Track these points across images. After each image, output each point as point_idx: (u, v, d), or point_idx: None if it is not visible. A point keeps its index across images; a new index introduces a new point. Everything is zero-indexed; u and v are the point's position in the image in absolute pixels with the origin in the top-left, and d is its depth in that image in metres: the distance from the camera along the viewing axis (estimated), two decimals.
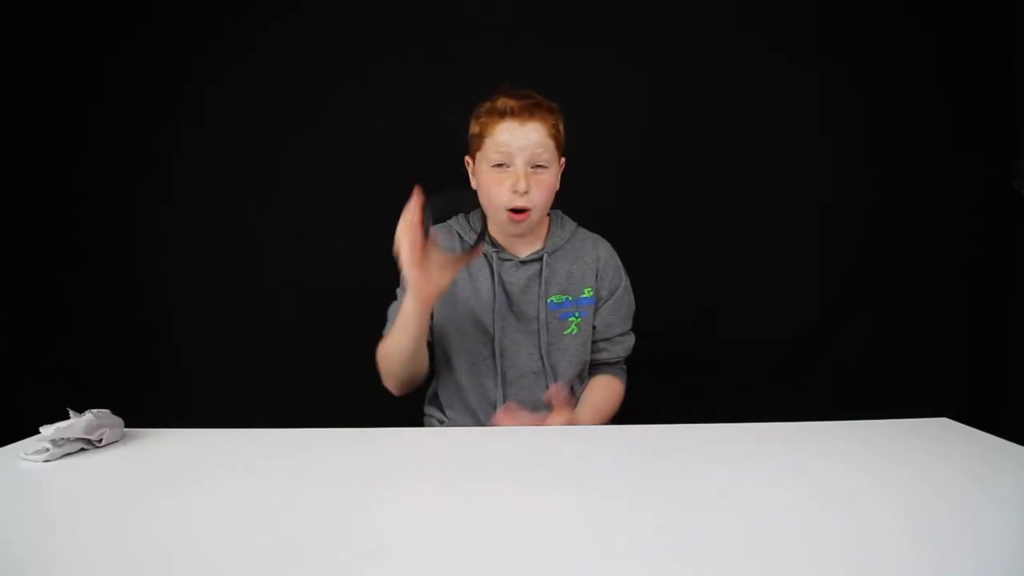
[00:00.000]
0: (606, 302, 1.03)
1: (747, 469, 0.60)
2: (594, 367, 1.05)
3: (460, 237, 1.02)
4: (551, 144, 0.95)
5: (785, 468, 0.60)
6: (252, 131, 1.50)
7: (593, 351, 1.04)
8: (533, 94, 0.97)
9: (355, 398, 1.17)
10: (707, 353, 1.46)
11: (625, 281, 1.06)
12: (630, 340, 1.07)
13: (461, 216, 1.05)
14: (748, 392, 1.44)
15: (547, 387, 0.98)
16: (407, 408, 1.06)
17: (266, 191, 1.52)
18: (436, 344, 1.02)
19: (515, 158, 0.93)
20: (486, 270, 1.00)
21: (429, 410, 1.08)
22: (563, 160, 1.01)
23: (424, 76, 1.43)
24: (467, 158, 1.02)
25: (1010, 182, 1.47)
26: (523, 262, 1.00)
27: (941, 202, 1.49)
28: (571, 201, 1.07)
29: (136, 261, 1.53)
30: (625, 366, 1.08)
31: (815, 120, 1.48)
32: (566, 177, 1.01)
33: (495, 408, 0.97)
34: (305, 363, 1.51)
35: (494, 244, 1.01)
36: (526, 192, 0.93)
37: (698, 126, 1.49)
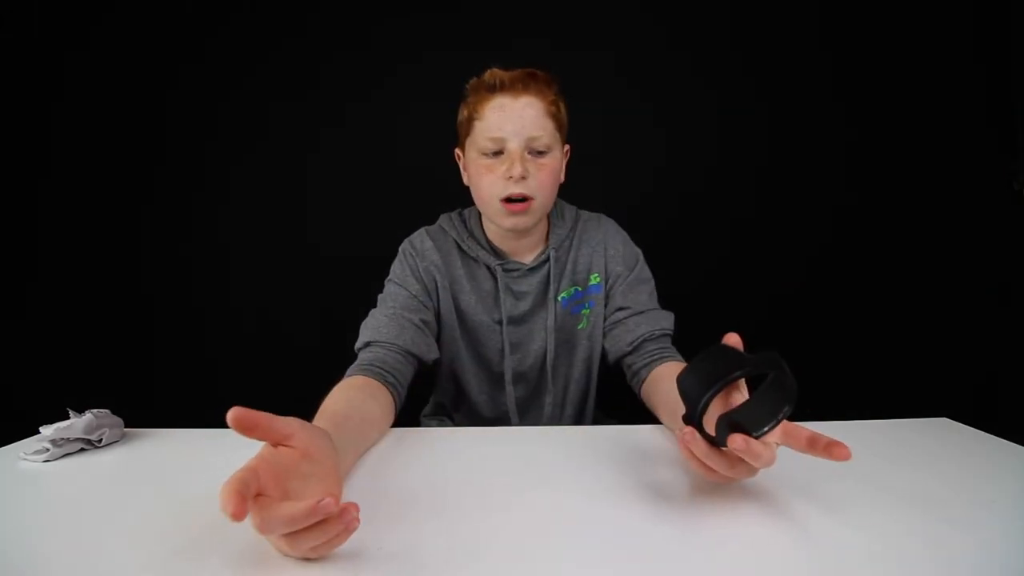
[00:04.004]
0: (626, 278, 0.88)
1: None
2: (646, 361, 0.82)
3: (457, 244, 0.90)
4: (550, 124, 0.81)
5: (784, 468, 0.60)
6: (252, 133, 1.50)
7: (624, 332, 0.85)
8: (529, 68, 0.82)
9: None
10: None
11: (640, 255, 0.92)
12: (670, 316, 0.87)
13: (455, 218, 0.93)
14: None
15: (548, 402, 0.90)
16: (409, 408, 1.06)
17: (266, 193, 1.52)
18: (444, 361, 0.92)
19: (508, 142, 0.79)
20: (490, 283, 0.89)
21: (428, 422, 1.01)
22: (567, 148, 0.87)
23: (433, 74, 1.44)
24: (456, 150, 0.89)
25: (1010, 182, 1.47)
26: (531, 268, 0.89)
27: (941, 202, 1.49)
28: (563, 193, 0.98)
29: (136, 262, 1.53)
30: (675, 348, 0.85)
31: (814, 120, 1.49)
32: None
33: (510, 417, 0.90)
34: (306, 363, 1.51)
35: (496, 253, 0.90)
36: (523, 177, 0.79)
37: (695, 125, 1.49)
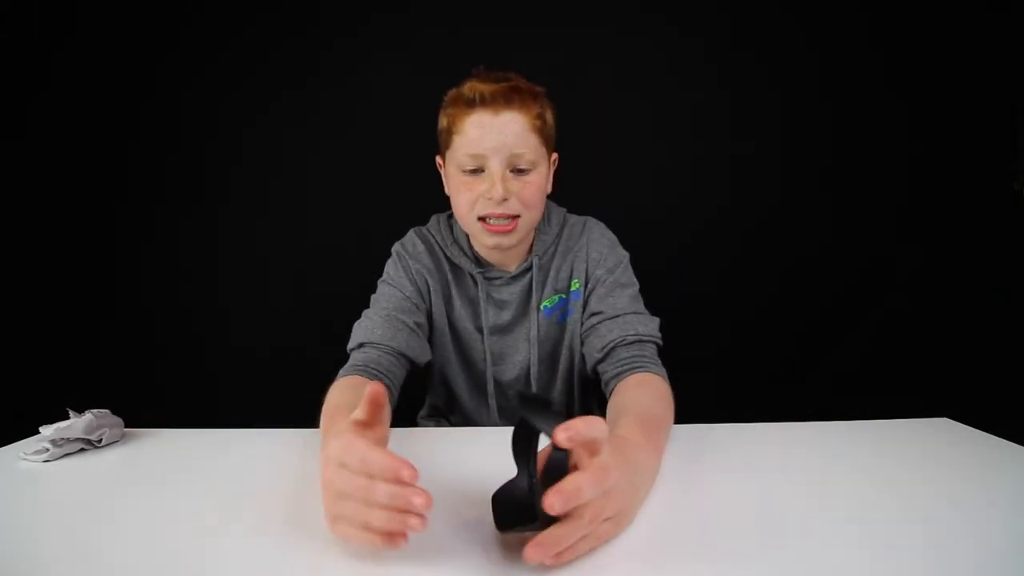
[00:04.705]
0: (605, 282, 0.84)
1: (746, 469, 0.60)
2: (617, 370, 0.77)
3: (443, 252, 0.89)
4: (534, 140, 0.77)
5: (785, 468, 0.60)
6: (251, 129, 1.50)
7: (596, 338, 0.80)
8: (511, 76, 0.78)
9: None
10: (707, 353, 1.46)
11: (626, 258, 0.88)
12: (652, 321, 0.81)
13: (443, 222, 0.91)
14: (748, 392, 1.44)
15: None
16: (405, 408, 1.06)
17: (266, 193, 1.52)
18: (435, 365, 0.92)
19: (489, 160, 0.76)
20: (474, 291, 0.88)
21: (424, 423, 1.00)
22: (555, 156, 0.84)
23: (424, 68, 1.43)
24: (438, 158, 0.86)
25: (1010, 182, 1.47)
26: (514, 276, 0.87)
27: (941, 202, 1.49)
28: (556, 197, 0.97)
29: (137, 261, 1.53)
30: (659, 360, 0.79)
31: (814, 120, 1.49)
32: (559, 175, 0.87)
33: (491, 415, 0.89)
34: (305, 363, 1.51)
35: (478, 261, 0.87)
36: (504, 200, 0.76)
37: (694, 120, 1.49)
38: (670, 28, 1.47)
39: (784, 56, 1.47)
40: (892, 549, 0.43)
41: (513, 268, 0.87)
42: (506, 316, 0.89)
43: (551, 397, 0.91)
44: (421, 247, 0.89)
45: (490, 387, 0.89)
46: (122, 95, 1.49)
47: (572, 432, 0.38)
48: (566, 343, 0.88)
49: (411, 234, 0.92)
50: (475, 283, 0.88)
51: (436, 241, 0.90)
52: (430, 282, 0.87)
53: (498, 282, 0.88)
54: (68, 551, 0.45)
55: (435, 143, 0.87)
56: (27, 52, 1.46)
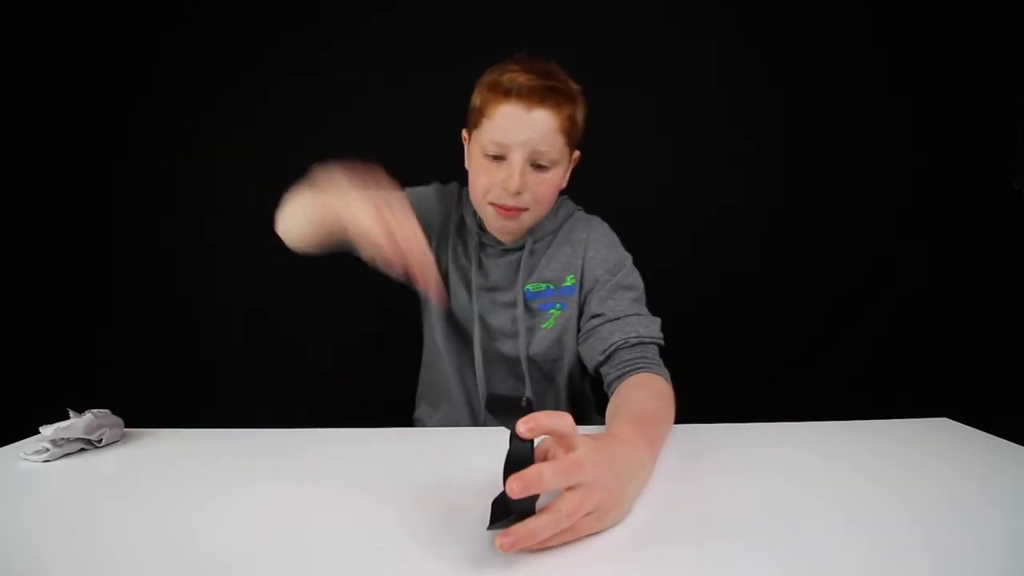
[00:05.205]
0: (606, 284, 0.84)
1: (747, 469, 0.60)
2: (620, 371, 0.77)
3: (454, 207, 0.94)
4: (560, 140, 0.78)
5: (785, 468, 0.60)
6: (250, 125, 1.50)
7: (597, 340, 0.81)
8: (552, 71, 0.79)
9: (355, 398, 1.17)
10: (707, 353, 1.46)
11: (628, 260, 0.88)
12: (654, 323, 0.81)
13: (456, 187, 0.94)
14: (748, 392, 1.44)
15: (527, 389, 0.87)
16: (406, 408, 1.06)
17: (265, 192, 1.52)
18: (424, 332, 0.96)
19: (512, 151, 0.77)
20: (470, 250, 0.90)
21: (420, 404, 1.02)
22: (577, 154, 0.86)
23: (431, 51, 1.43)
24: (464, 132, 0.87)
25: (1010, 182, 1.47)
26: (506, 250, 0.88)
27: (941, 202, 1.49)
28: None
29: (136, 261, 1.53)
30: (661, 361, 0.79)
31: (814, 120, 1.48)
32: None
33: (480, 400, 0.89)
34: (305, 363, 1.51)
35: (480, 226, 0.89)
36: (518, 193, 0.78)
37: (698, 121, 1.49)
38: (670, 28, 1.47)
39: (784, 56, 1.47)
40: (892, 549, 0.43)
41: (508, 242, 0.89)
42: (488, 282, 0.90)
43: (523, 394, 0.91)
44: (439, 197, 0.92)
45: (477, 346, 0.88)
46: (122, 95, 1.49)
47: (533, 423, 0.40)
48: (553, 335, 0.87)
49: (450, 188, 0.95)
50: (468, 242, 0.90)
51: (452, 200, 0.93)
52: (435, 228, 0.90)
53: (491, 251, 0.89)
54: (68, 551, 0.45)
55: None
56: (27, 52, 1.46)
